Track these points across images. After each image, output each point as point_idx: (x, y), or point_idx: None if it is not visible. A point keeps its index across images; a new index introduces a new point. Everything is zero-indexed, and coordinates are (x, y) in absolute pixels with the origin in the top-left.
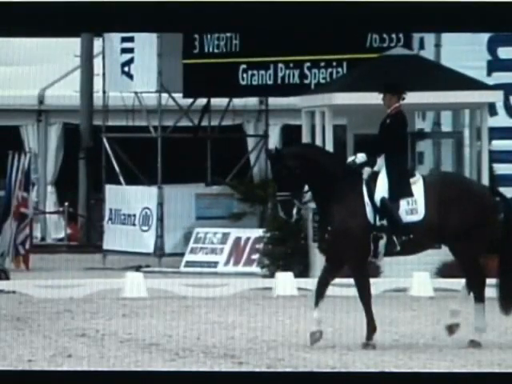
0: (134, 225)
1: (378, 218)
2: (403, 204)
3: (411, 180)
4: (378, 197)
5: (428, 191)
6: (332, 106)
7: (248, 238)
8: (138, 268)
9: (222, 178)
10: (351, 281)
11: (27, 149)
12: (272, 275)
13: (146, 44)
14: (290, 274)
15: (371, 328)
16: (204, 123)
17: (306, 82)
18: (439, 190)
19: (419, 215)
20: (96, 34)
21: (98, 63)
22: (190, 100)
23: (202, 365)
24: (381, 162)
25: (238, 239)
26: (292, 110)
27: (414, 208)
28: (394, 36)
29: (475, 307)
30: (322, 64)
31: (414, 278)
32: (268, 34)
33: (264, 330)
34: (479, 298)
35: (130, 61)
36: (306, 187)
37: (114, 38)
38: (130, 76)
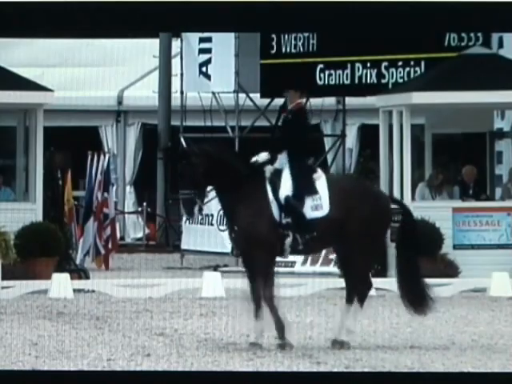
0: (211, 224)
1: (283, 216)
2: (308, 200)
3: (314, 176)
4: (282, 195)
5: (331, 187)
6: (410, 106)
7: None
8: (215, 268)
9: None
10: (430, 281)
11: (106, 149)
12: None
13: (224, 44)
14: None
15: (279, 326)
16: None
17: (384, 81)
18: (341, 186)
19: (324, 211)
20: (174, 34)
21: (176, 64)
22: (268, 100)
23: (280, 365)
24: (282, 158)
25: None
26: (369, 110)
27: (318, 204)
28: (472, 35)
29: (353, 308)
30: (400, 63)
31: (492, 278)
32: (345, 34)
33: (342, 330)
34: (360, 300)
35: (208, 61)
36: (210, 186)
37: (192, 39)
38: (208, 76)
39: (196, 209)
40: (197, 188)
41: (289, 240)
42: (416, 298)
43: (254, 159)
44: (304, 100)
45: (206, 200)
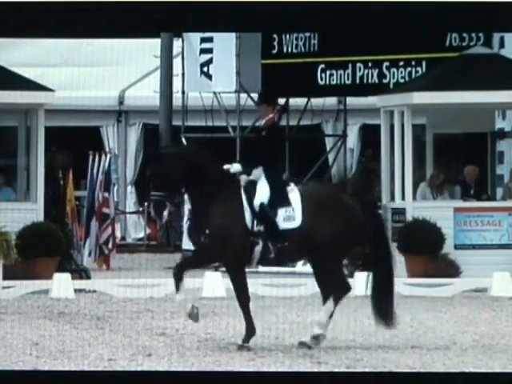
0: None
1: (255, 224)
2: (281, 211)
3: (288, 188)
4: (257, 202)
5: (304, 199)
6: (411, 106)
7: None
8: (216, 268)
9: (300, 177)
10: (431, 281)
11: (107, 149)
12: (351, 275)
13: (225, 44)
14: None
15: (250, 331)
16: (282, 123)
17: (385, 81)
18: (313, 198)
19: (296, 222)
20: (175, 34)
21: (177, 64)
22: None
23: (281, 365)
24: (257, 172)
25: None
26: (371, 110)
27: (290, 215)
28: (473, 35)
29: (327, 304)
30: (401, 63)
31: (494, 278)
32: (346, 34)
33: (342, 329)
34: (335, 300)
35: (209, 61)
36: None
37: (193, 39)
38: (209, 76)
39: (165, 211)
40: (167, 190)
41: (258, 248)
42: (384, 314)
43: (226, 167)
44: (276, 114)
45: (175, 202)
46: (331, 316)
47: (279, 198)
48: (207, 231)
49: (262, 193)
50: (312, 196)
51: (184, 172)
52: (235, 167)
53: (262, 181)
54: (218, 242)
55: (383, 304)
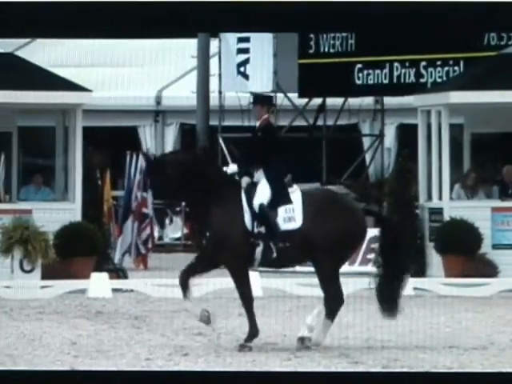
0: None
1: (255, 225)
2: (281, 212)
3: (289, 190)
4: (256, 203)
5: (305, 201)
6: (448, 105)
7: None
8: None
9: (338, 177)
10: (468, 281)
11: (145, 149)
12: None
13: (262, 44)
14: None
15: (253, 332)
16: (319, 123)
17: (422, 80)
18: (315, 200)
19: (296, 223)
20: (212, 34)
21: (214, 64)
22: (306, 100)
23: (318, 364)
24: (259, 174)
25: None
26: (408, 109)
27: (291, 216)
28: None
29: (323, 322)
30: (439, 63)
31: None
32: (383, 33)
33: (379, 329)
34: (330, 315)
35: (246, 61)
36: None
37: (230, 39)
38: (246, 76)
39: (167, 220)
40: (167, 198)
41: (259, 250)
42: (391, 306)
43: (224, 169)
44: (272, 115)
45: (176, 210)
46: (330, 321)
47: (280, 198)
48: (207, 234)
49: (262, 194)
50: (314, 197)
51: (182, 178)
52: (231, 168)
53: (263, 182)
54: (219, 244)
55: (390, 293)
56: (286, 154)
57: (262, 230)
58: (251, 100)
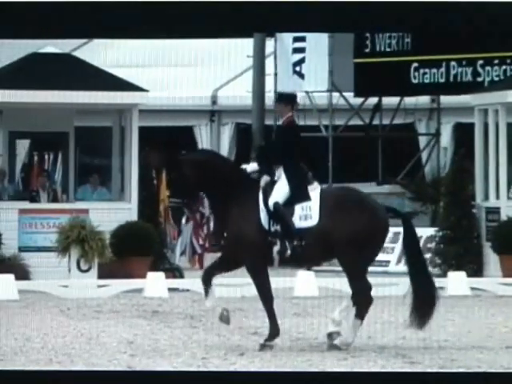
0: None
1: (272, 224)
2: (298, 209)
3: (309, 187)
4: (271, 202)
5: (324, 199)
6: (506, 104)
7: (419, 237)
8: (309, 267)
9: (394, 176)
10: None
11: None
12: (444, 274)
13: (318, 43)
14: (462, 274)
15: (274, 331)
16: (375, 122)
17: (479, 79)
18: (334, 199)
19: (313, 221)
20: (268, 34)
21: (269, 63)
22: (361, 99)
23: (374, 364)
24: (279, 172)
25: None
26: (465, 108)
27: (307, 214)
28: None
29: (353, 322)
30: (496, 61)
31: None
32: (439, 32)
33: (436, 329)
34: (359, 314)
35: (302, 60)
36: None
37: (286, 38)
38: (302, 75)
39: (184, 219)
40: (187, 197)
41: (276, 248)
42: (426, 302)
43: (243, 167)
44: (295, 113)
45: (193, 209)
46: (358, 321)
47: (298, 196)
48: (225, 234)
49: (278, 192)
50: (334, 195)
51: (201, 178)
52: (252, 166)
53: (282, 180)
54: (236, 244)
55: (424, 305)
56: (307, 153)
57: (279, 228)
58: (276, 98)
